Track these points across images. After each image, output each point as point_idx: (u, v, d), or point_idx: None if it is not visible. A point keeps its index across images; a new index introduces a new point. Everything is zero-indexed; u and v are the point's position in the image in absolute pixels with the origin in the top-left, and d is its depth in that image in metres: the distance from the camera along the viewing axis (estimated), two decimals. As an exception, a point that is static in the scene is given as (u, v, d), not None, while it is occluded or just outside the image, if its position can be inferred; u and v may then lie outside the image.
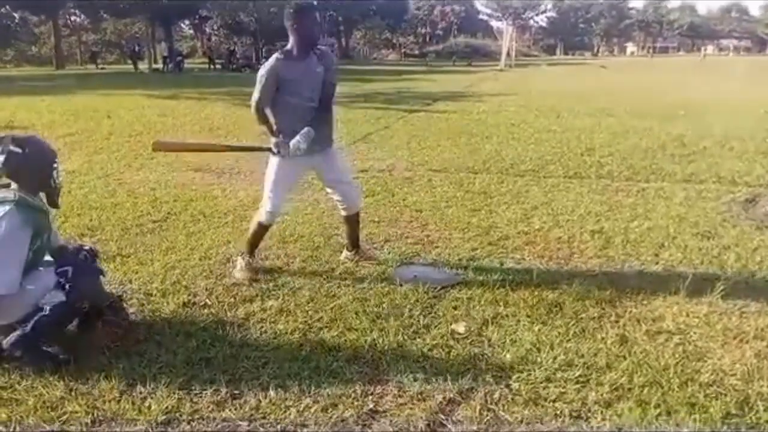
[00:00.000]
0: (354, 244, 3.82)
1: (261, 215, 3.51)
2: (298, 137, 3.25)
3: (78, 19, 50.04)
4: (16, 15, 44.03)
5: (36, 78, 27.48)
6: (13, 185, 2.53)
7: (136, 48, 38.91)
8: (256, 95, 3.34)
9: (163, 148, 3.33)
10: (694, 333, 2.80)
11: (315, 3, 3.59)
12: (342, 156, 3.91)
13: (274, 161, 3.47)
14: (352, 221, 3.77)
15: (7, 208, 2.43)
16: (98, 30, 51.11)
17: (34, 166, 2.54)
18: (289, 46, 3.36)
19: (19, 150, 2.49)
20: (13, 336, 2.46)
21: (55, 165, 2.63)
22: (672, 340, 2.73)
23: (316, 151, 3.42)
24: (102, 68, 39.36)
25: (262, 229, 3.57)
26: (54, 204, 2.73)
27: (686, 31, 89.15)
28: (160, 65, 35.97)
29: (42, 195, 2.67)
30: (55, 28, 41.85)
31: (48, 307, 2.48)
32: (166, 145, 3.36)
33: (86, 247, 2.94)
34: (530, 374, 2.45)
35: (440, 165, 6.79)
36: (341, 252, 3.88)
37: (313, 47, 3.36)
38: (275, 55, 3.33)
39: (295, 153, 3.27)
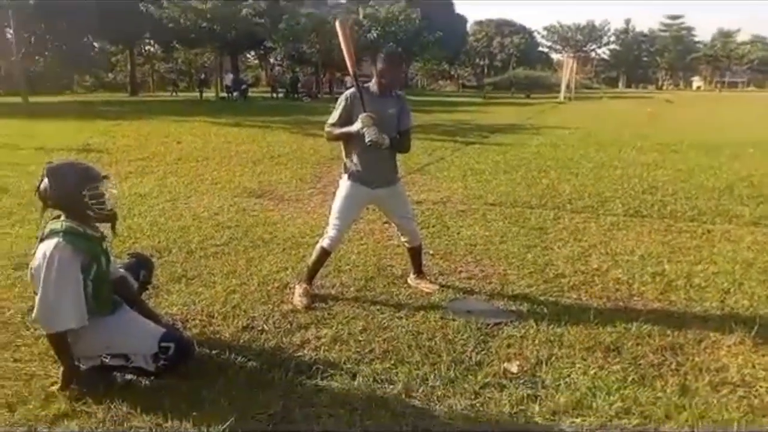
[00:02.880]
0: (418, 270, 4.02)
1: (324, 241, 3.66)
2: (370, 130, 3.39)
3: (152, 49, 53.05)
4: (96, 45, 47.11)
5: (111, 103, 29.20)
6: (63, 215, 2.56)
7: (203, 76, 40.84)
8: (330, 120, 3.61)
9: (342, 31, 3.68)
10: (761, 386, 2.68)
11: (403, 56, 3.83)
12: (405, 192, 4.04)
13: (343, 189, 3.66)
14: (415, 252, 3.98)
15: (55, 240, 2.45)
16: (170, 59, 53.95)
17: (62, 195, 2.51)
18: (370, 84, 3.58)
19: (45, 179, 2.51)
20: (92, 367, 2.60)
21: (90, 191, 2.52)
22: (736, 393, 2.62)
23: (381, 186, 3.64)
24: (175, 95, 41.23)
25: (325, 255, 3.71)
26: (112, 229, 2.74)
27: (757, 66, 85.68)
28: (225, 94, 37.57)
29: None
30: (131, 57, 44.49)
31: (133, 365, 2.57)
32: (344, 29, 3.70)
33: (142, 258, 3.11)
34: (585, 420, 2.41)
35: (495, 198, 6.78)
36: (395, 283, 3.97)
37: (392, 91, 3.58)
38: (353, 90, 3.51)
39: (372, 134, 3.37)
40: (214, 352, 2.97)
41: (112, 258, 2.81)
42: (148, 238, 5.02)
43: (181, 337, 2.72)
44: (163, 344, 2.55)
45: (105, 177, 2.62)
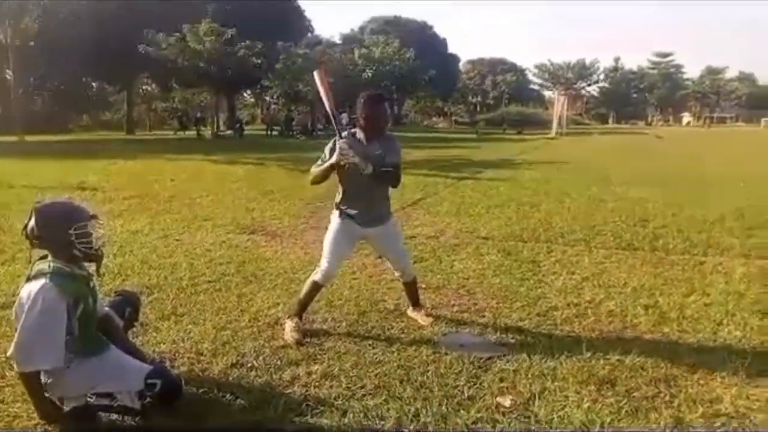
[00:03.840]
0: (415, 303, 4.02)
1: (317, 275, 3.65)
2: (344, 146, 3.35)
3: (149, 88, 53.74)
4: (94, 84, 47.74)
5: (108, 142, 29.40)
6: (50, 255, 2.55)
7: (199, 115, 41.13)
8: (313, 169, 3.57)
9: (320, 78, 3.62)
10: (755, 417, 2.66)
11: (385, 95, 3.81)
12: (399, 227, 4.06)
13: (334, 225, 3.67)
14: (409, 286, 3.99)
15: (42, 282, 2.43)
16: (168, 98, 54.60)
17: (49, 234, 2.50)
18: (357, 131, 3.57)
19: (33, 218, 2.51)
20: (75, 407, 2.54)
21: (77, 230, 2.51)
22: (730, 425, 2.60)
23: (371, 225, 3.65)
24: (183, 133, 37.88)
25: (316, 289, 3.70)
26: (97, 270, 2.72)
27: (745, 102, 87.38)
28: (220, 131, 37.90)
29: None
30: (128, 96, 44.99)
31: (118, 404, 2.53)
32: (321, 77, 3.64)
33: (128, 295, 3.09)
34: (578, 454, 2.37)
35: (488, 233, 6.80)
36: (387, 317, 3.95)
37: (379, 135, 3.55)
38: (340, 138, 3.46)
39: (343, 152, 3.33)
40: (202, 390, 2.92)
41: (98, 296, 2.79)
42: (139, 275, 4.99)
43: (168, 374, 2.68)
44: (149, 381, 2.51)
45: (93, 216, 2.62)
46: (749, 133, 47.52)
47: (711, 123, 76.17)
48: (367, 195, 3.57)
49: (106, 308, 2.90)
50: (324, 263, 3.64)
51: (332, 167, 3.45)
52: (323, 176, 3.54)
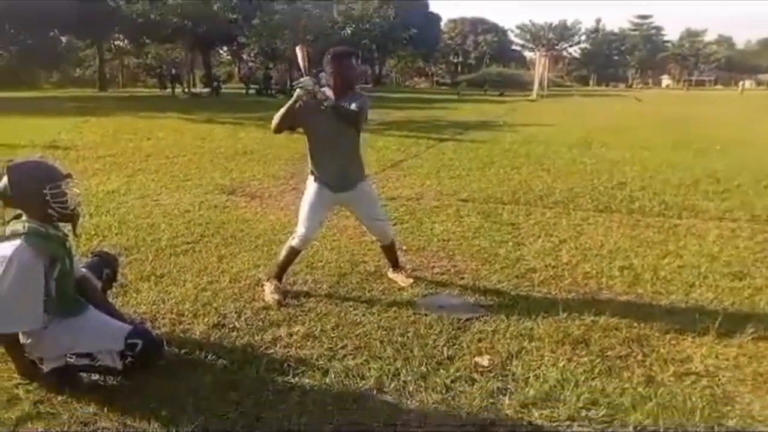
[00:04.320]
0: (394, 265, 4.02)
1: (294, 240, 3.63)
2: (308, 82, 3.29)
3: (121, 44, 52.02)
4: (63, 39, 46.03)
5: (79, 99, 28.56)
6: (24, 215, 2.50)
7: (174, 72, 40.00)
8: (279, 113, 3.45)
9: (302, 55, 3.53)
10: (723, 376, 2.76)
11: (353, 49, 3.70)
12: (373, 191, 4.02)
13: (309, 190, 3.64)
14: (388, 249, 3.98)
15: (17, 242, 2.39)
16: (140, 54, 52.97)
17: (23, 194, 2.45)
18: (325, 89, 3.45)
19: (5, 178, 2.45)
20: (54, 368, 2.53)
21: (51, 190, 2.47)
22: (700, 383, 2.69)
23: (345, 190, 3.62)
24: (173, 92, 35.00)
25: (294, 253, 3.68)
26: (73, 230, 2.68)
27: (723, 65, 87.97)
28: (197, 90, 36.96)
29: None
30: (99, 52, 43.55)
31: (99, 364, 2.52)
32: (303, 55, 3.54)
33: (106, 257, 3.06)
34: (553, 412, 2.44)
35: (469, 195, 6.82)
36: (368, 279, 3.98)
37: (350, 89, 3.47)
38: (314, 91, 3.37)
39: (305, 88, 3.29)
40: (183, 350, 2.93)
41: (75, 257, 2.75)
42: (116, 236, 4.93)
43: (148, 334, 2.68)
44: (129, 341, 2.51)
45: (67, 176, 2.57)
46: (727, 96, 47.98)
47: (690, 86, 76.73)
48: (335, 157, 3.52)
49: (84, 269, 2.87)
50: (300, 228, 3.62)
51: (294, 104, 3.35)
52: (284, 117, 3.40)
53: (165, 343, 2.84)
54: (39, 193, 2.45)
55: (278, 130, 3.50)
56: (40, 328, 2.45)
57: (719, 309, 3.54)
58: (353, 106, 3.35)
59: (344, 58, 3.46)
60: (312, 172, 3.65)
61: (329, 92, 3.43)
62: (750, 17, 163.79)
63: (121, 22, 35.78)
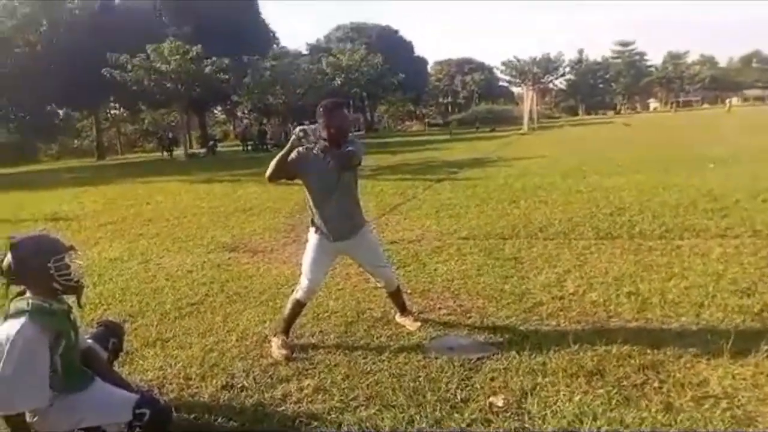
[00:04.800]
0: (402, 309, 4.01)
1: (298, 293, 3.63)
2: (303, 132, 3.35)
3: (117, 112, 53.06)
4: (60, 112, 46.97)
5: (79, 169, 28.95)
6: (28, 292, 2.49)
7: (171, 135, 40.62)
8: (274, 161, 3.48)
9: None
10: (742, 397, 2.71)
11: (343, 100, 3.80)
12: (374, 237, 4.04)
13: (311, 242, 3.66)
14: (394, 294, 3.98)
15: (22, 320, 2.37)
16: (136, 120, 53.98)
17: (28, 269, 2.45)
18: (317, 146, 3.51)
19: (9, 255, 2.44)
20: None
21: (55, 263, 2.47)
22: (719, 406, 2.64)
23: (344, 238, 3.63)
24: (168, 155, 35.70)
25: (299, 306, 3.68)
26: (78, 302, 2.66)
27: (708, 84, 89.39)
28: (194, 150, 37.48)
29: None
30: (96, 121, 44.38)
31: None
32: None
33: (111, 326, 3.04)
34: (574, 447, 2.39)
35: (469, 232, 6.83)
36: (375, 325, 3.95)
37: (344, 138, 3.51)
38: (310, 145, 3.46)
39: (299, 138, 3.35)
40: (193, 415, 2.89)
41: (80, 329, 2.74)
42: (120, 303, 4.92)
43: (156, 402, 2.64)
44: (138, 411, 2.47)
45: (70, 248, 2.58)
46: (714, 114, 48.59)
47: (677, 107, 77.82)
48: (335, 206, 3.55)
49: (89, 341, 2.85)
50: (304, 281, 3.63)
51: (287, 153, 3.39)
52: (279, 164, 3.43)
53: (173, 409, 2.80)
54: (43, 267, 2.45)
55: (273, 178, 3.52)
56: (46, 405, 2.42)
57: (730, 328, 3.51)
58: (349, 149, 3.41)
59: (335, 109, 3.52)
60: (312, 223, 3.68)
61: (321, 145, 3.49)
62: (729, 35, 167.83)
63: (116, 90, 36.56)
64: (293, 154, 3.44)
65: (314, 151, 3.44)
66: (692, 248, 5.44)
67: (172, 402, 2.98)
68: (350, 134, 3.63)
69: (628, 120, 46.54)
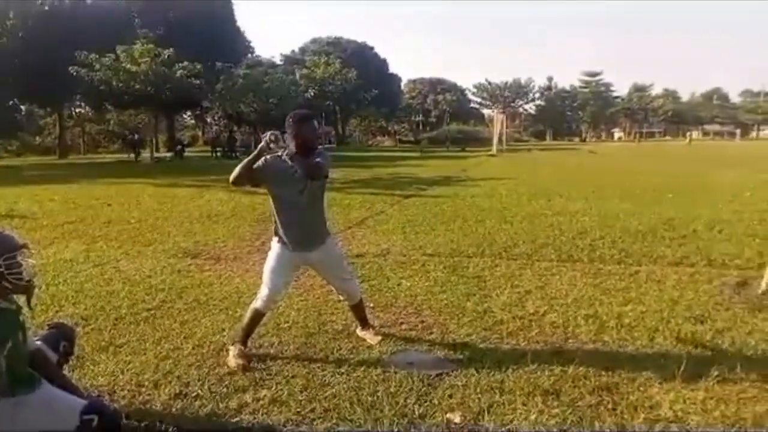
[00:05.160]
0: (363, 323, 3.98)
1: (257, 302, 3.58)
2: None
3: (82, 111, 51.76)
4: (23, 107, 45.62)
5: (39, 167, 28.11)
6: None
7: (137, 137, 39.79)
8: (241, 165, 3.47)
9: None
10: (692, 420, 2.78)
11: (313, 112, 3.79)
12: (338, 249, 4.00)
13: (273, 251, 3.62)
14: (356, 307, 3.96)
15: None
16: (102, 120, 52.73)
17: None
18: (285, 153, 3.50)
19: None
20: None
21: (6, 261, 2.38)
22: (670, 429, 2.70)
23: (307, 250, 3.60)
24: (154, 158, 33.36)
25: (258, 316, 3.62)
26: (27, 302, 2.57)
27: (671, 117, 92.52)
28: (160, 154, 36.81)
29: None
30: (60, 119, 43.22)
31: None
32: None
33: (62, 328, 2.93)
34: (527, 466, 2.40)
35: (434, 249, 6.87)
36: (336, 338, 3.92)
37: (312, 151, 3.49)
38: (278, 153, 3.47)
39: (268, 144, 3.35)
40: (144, 423, 2.80)
41: (29, 330, 2.64)
42: (73, 305, 4.76)
43: (104, 408, 2.55)
44: (85, 417, 2.38)
45: (23, 246, 2.48)
46: (675, 146, 50.30)
47: (641, 138, 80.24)
48: (300, 217, 3.53)
49: (38, 342, 2.74)
50: (264, 290, 3.59)
51: (254, 159, 3.38)
52: (244, 170, 3.41)
53: (123, 416, 2.71)
54: None
55: (238, 182, 3.50)
56: None
57: (683, 353, 3.60)
58: (316, 160, 3.41)
59: (305, 121, 3.51)
60: (276, 232, 3.64)
61: (290, 152, 3.48)
62: (691, 71, 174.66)
63: (83, 89, 35.76)
64: (260, 162, 3.42)
65: (282, 158, 3.42)
66: (649, 274, 5.58)
67: (123, 409, 2.89)
68: (318, 147, 3.62)
69: (594, 148, 47.76)
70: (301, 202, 3.50)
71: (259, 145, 3.38)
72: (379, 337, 3.88)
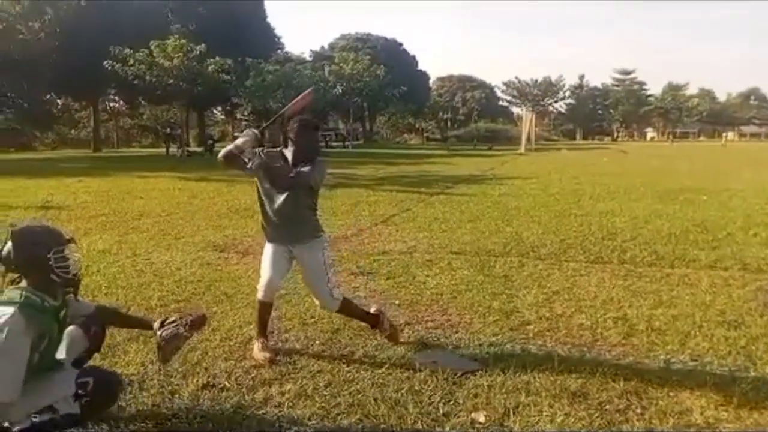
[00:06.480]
0: (372, 325, 3.84)
1: (258, 293, 3.65)
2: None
3: (116, 105, 52.93)
4: (59, 101, 46.83)
5: (74, 160, 28.81)
6: (24, 282, 2.46)
7: (169, 131, 40.51)
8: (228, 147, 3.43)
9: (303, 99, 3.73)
10: (725, 428, 2.71)
11: (317, 122, 3.77)
12: (319, 255, 3.62)
13: (266, 242, 3.68)
14: (351, 315, 3.87)
15: (11, 311, 2.32)
16: (135, 115, 53.91)
17: (27, 259, 2.42)
18: (286, 150, 3.53)
19: (9, 243, 2.42)
20: (20, 427, 2.42)
21: (55, 255, 2.44)
22: (701, 436, 2.64)
23: (286, 243, 3.59)
24: (184, 154, 32.36)
25: (263, 306, 3.66)
26: (74, 295, 2.67)
27: (706, 118, 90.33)
28: (191, 148, 37.37)
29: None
30: (95, 113, 44.24)
31: (61, 414, 2.43)
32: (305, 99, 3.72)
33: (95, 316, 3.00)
34: (553, 468, 2.37)
35: (460, 248, 6.83)
36: (360, 334, 3.91)
37: (307, 161, 3.46)
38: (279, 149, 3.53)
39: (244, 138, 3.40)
40: (171, 413, 2.85)
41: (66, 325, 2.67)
42: (106, 295, 4.87)
43: (98, 371, 2.62)
44: (80, 380, 2.47)
45: (70, 240, 2.55)
46: (710, 148, 49.05)
47: (675, 138, 78.50)
48: (278, 207, 3.50)
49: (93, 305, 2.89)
50: (260, 280, 3.64)
51: (234, 148, 3.34)
52: (229, 157, 3.34)
53: (122, 381, 2.79)
54: (43, 258, 2.41)
55: (225, 162, 3.38)
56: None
57: (716, 359, 3.51)
58: (302, 170, 3.40)
59: (306, 130, 3.51)
60: (261, 223, 3.70)
61: (288, 154, 3.50)
62: (728, 71, 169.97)
63: (117, 83, 36.55)
64: (262, 157, 3.42)
65: (284, 155, 3.47)
66: (682, 277, 5.45)
67: (152, 398, 2.94)
68: (317, 158, 3.53)
69: (625, 148, 46.89)
70: (279, 198, 3.48)
71: (246, 136, 3.40)
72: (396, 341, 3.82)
